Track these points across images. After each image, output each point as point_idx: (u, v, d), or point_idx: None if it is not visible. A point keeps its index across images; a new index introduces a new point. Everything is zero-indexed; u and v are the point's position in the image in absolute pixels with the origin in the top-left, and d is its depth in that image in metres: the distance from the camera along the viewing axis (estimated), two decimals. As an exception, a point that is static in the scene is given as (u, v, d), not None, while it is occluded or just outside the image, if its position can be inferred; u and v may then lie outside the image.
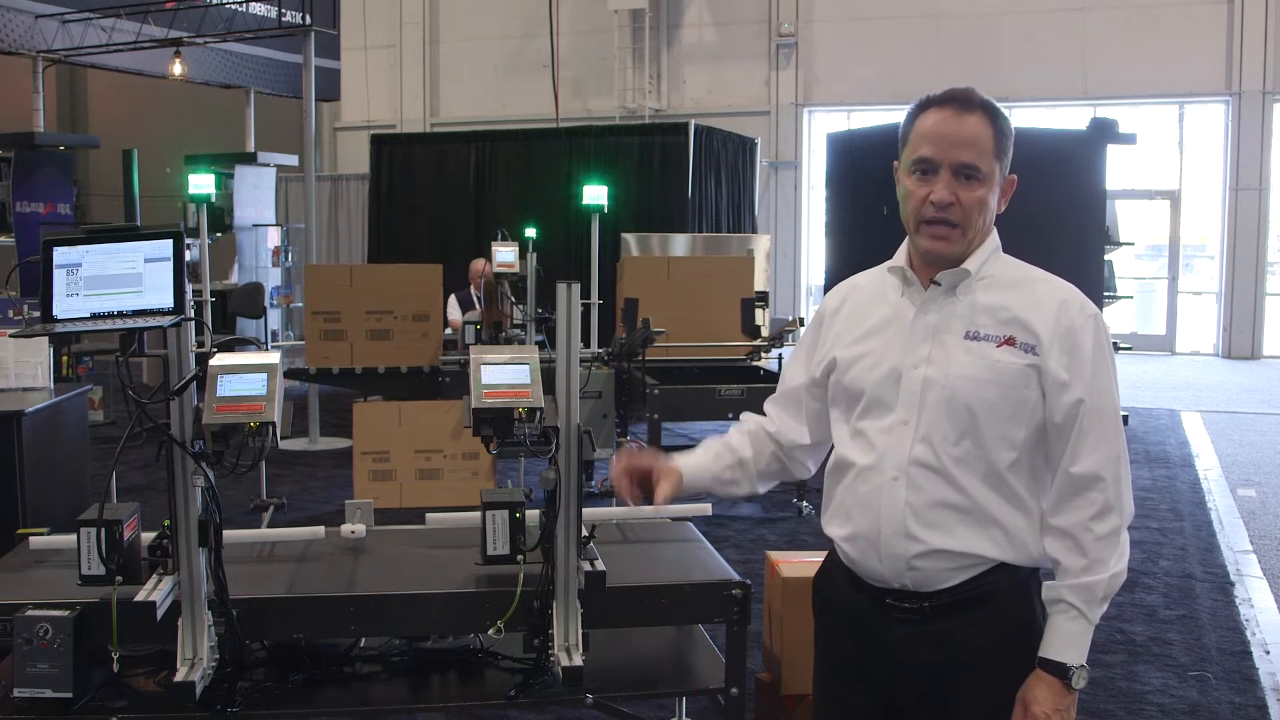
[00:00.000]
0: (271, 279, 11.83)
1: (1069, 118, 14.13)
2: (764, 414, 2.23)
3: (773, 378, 7.16)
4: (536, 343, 6.28)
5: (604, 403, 6.16)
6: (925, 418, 1.92)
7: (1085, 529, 1.88)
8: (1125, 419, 10.65)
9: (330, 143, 18.71)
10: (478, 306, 8.00)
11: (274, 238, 12.34)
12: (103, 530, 2.39)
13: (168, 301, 2.28)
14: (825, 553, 2.14)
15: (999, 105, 1.97)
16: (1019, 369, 1.90)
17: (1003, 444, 1.90)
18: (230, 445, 2.35)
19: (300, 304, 10.13)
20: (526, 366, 2.59)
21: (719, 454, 2.20)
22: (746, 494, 2.22)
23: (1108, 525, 1.88)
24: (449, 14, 18.27)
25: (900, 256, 2.03)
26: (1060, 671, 1.88)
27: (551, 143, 12.50)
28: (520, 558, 2.62)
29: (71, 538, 2.48)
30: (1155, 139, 15.29)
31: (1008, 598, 1.93)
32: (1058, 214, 9.39)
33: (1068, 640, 1.89)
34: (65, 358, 7.70)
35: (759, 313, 7.61)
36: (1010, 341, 1.91)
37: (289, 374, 6.68)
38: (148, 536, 2.52)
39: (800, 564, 3.38)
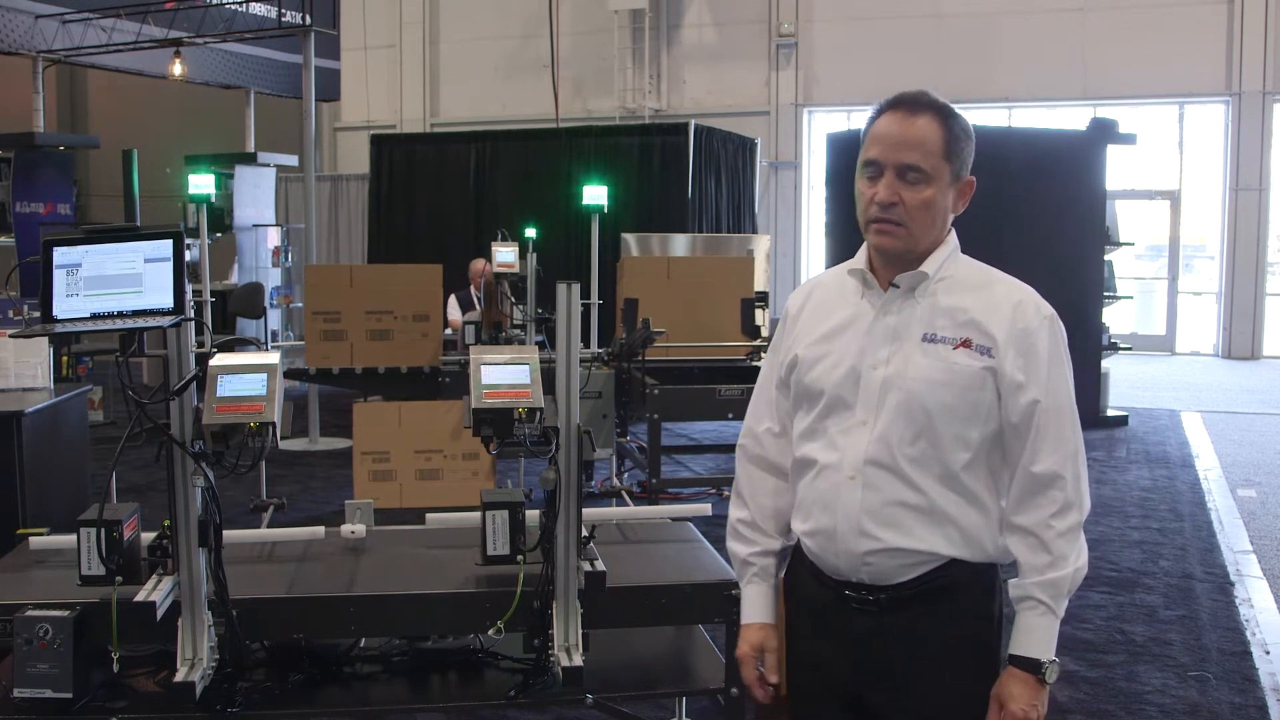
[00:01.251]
0: (271, 279, 11.82)
1: (1069, 118, 14.13)
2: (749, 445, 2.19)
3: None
4: (536, 343, 6.28)
5: (604, 403, 6.16)
6: (883, 418, 1.95)
7: (1047, 526, 1.92)
8: (1125, 419, 10.58)
9: (330, 143, 18.71)
10: (478, 306, 8.00)
11: (274, 238, 12.34)
12: (103, 530, 2.39)
13: (168, 302, 2.28)
14: None
15: (954, 107, 1.98)
16: (975, 371, 1.93)
17: (958, 445, 1.94)
18: (230, 445, 2.35)
19: (300, 304, 10.13)
20: (526, 367, 2.59)
21: (764, 570, 2.16)
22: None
23: (1068, 521, 1.92)
24: (449, 14, 18.27)
25: (860, 258, 2.05)
26: (1033, 667, 1.91)
27: (551, 143, 12.49)
28: (520, 558, 2.62)
29: (71, 538, 2.48)
30: (1155, 139, 15.28)
31: (964, 591, 1.96)
32: (1058, 214, 9.39)
33: (1038, 636, 1.92)
34: (65, 358, 7.69)
35: (759, 313, 7.61)
36: (966, 344, 1.94)
37: (289, 374, 6.68)
38: (148, 536, 2.53)
39: (800, 564, 3.37)
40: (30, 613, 2.41)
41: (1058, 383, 1.94)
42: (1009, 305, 1.95)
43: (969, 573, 1.96)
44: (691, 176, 11.67)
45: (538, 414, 2.51)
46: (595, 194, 6.22)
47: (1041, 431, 1.92)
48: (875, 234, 1.97)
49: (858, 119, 16.03)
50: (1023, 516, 1.94)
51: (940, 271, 1.98)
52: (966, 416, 1.93)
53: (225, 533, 2.48)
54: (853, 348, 2.00)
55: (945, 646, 1.96)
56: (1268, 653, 4.48)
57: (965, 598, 1.96)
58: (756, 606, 2.15)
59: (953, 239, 2.02)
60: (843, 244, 10.10)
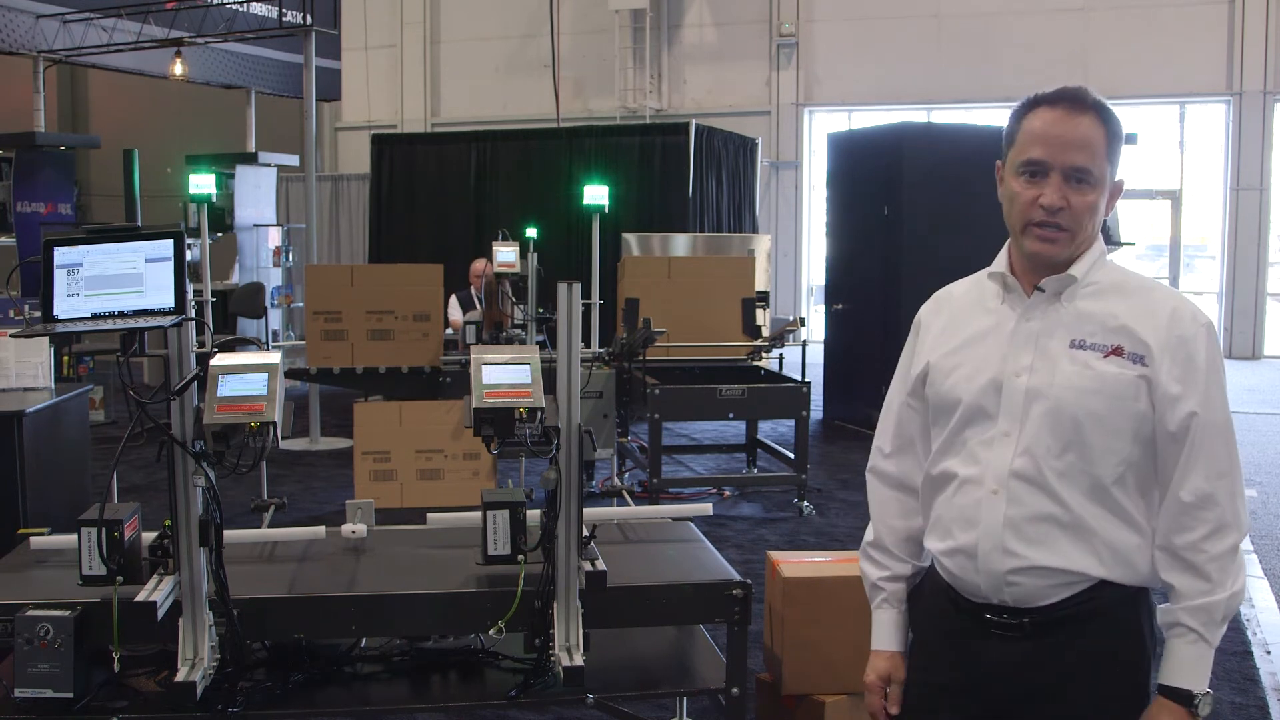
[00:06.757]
0: (272, 279, 11.82)
1: (1070, 118, 14.11)
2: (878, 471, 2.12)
3: (774, 378, 7.16)
4: (537, 343, 6.28)
5: (605, 403, 6.16)
6: (1028, 429, 1.85)
7: (1198, 550, 1.81)
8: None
9: (331, 143, 18.72)
10: (478, 306, 7.99)
11: (275, 238, 12.34)
12: (103, 530, 2.39)
13: (168, 301, 2.28)
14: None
15: (1111, 106, 1.90)
16: (1128, 380, 1.83)
17: (1109, 457, 1.84)
18: (231, 445, 2.35)
19: (301, 304, 10.12)
20: (527, 366, 2.59)
21: (893, 595, 2.09)
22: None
23: (1224, 544, 1.81)
24: (449, 14, 18.27)
25: (1000, 262, 1.97)
26: (1184, 699, 1.80)
27: (552, 143, 12.49)
28: (521, 558, 2.62)
29: (72, 538, 2.48)
30: (1156, 139, 15.29)
31: (1113, 614, 1.86)
32: (1058, 214, 9.36)
33: (1188, 666, 1.81)
34: (66, 358, 7.71)
35: (760, 313, 7.60)
36: (1118, 351, 1.84)
37: (290, 374, 6.68)
38: (148, 536, 2.52)
39: (801, 564, 3.38)
40: (31, 612, 2.41)
41: (1215, 395, 1.84)
42: (1164, 311, 1.85)
43: (1119, 596, 1.85)
44: (692, 176, 11.67)
45: (539, 414, 2.51)
46: (596, 194, 6.21)
47: (1196, 448, 1.81)
48: (1037, 239, 1.86)
49: (858, 119, 16.05)
50: (1174, 538, 1.83)
51: (1088, 275, 1.89)
52: (1118, 428, 1.83)
53: (226, 532, 2.48)
54: (994, 355, 1.90)
55: (1093, 675, 1.85)
56: (1268, 652, 4.48)
57: (1115, 623, 1.85)
58: (885, 633, 2.07)
59: (1100, 243, 1.92)
60: (843, 244, 10.09)
